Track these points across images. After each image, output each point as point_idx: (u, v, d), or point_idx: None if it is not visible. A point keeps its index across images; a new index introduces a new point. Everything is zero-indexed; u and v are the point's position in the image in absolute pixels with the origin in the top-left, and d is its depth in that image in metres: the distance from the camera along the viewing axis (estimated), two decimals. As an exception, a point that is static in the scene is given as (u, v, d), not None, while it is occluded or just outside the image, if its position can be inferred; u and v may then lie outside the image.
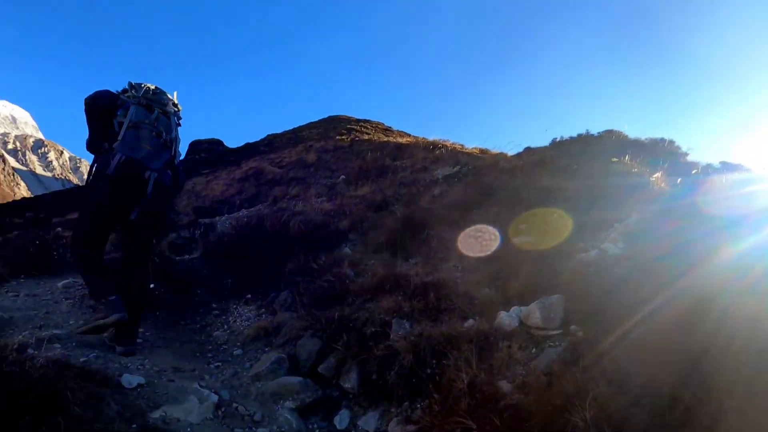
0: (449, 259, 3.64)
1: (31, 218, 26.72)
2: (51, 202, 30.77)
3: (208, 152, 38.27)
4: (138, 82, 2.80)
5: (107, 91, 2.73)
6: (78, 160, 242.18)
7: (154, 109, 2.72)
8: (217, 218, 8.18)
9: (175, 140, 2.82)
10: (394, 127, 41.41)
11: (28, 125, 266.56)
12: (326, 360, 2.72)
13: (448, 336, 2.38)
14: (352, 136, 28.43)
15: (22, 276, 4.04)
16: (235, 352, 3.03)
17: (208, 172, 30.75)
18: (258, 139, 38.48)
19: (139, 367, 2.47)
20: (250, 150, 34.46)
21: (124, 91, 2.77)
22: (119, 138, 2.58)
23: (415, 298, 2.87)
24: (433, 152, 9.79)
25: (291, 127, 39.92)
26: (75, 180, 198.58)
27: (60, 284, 3.82)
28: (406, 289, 3.00)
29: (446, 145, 11.74)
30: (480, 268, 3.18)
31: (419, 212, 4.19)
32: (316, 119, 41.72)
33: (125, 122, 2.60)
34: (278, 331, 3.20)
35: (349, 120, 39.74)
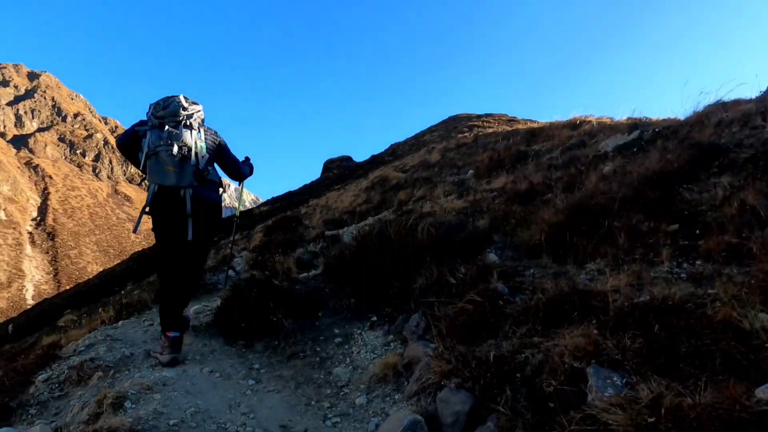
0: (657, 261, 2.37)
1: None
2: (227, 222, 36.26)
3: (340, 168, 40.89)
4: (163, 97, 2.78)
5: (129, 130, 2.82)
6: (240, 191, 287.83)
7: (165, 126, 2.66)
8: (344, 229, 7.96)
9: (195, 146, 2.71)
10: (519, 117, 38.42)
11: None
12: (482, 427, 1.80)
13: (718, 416, 1.24)
14: (475, 132, 26.96)
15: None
16: (357, 400, 2.31)
17: (339, 186, 32.58)
18: (383, 150, 39.76)
19: (242, 426, 1.91)
20: (376, 161, 35.68)
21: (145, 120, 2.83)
22: (146, 171, 2.68)
23: (623, 331, 1.75)
24: (581, 128, 8.07)
25: (413, 134, 40.19)
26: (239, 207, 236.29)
27: (192, 310, 3.68)
28: (602, 315, 1.89)
29: (591, 121, 9.77)
30: (733, 275, 1.88)
31: (591, 197, 2.96)
32: (436, 122, 41.24)
33: (143, 153, 2.66)
34: (410, 369, 2.40)
35: (469, 117, 38.23)
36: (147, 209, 2.70)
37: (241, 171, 3.29)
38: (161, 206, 2.70)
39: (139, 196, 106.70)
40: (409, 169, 13.03)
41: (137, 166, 2.78)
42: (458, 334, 2.33)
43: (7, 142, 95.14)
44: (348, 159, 46.76)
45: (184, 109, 2.73)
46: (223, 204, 3.11)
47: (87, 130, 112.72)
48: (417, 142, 37.36)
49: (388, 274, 3.28)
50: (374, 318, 3.32)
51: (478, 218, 4.25)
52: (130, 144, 2.80)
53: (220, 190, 3.08)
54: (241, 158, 3.43)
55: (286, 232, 6.62)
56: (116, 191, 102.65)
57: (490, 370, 1.88)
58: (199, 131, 2.78)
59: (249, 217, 34.02)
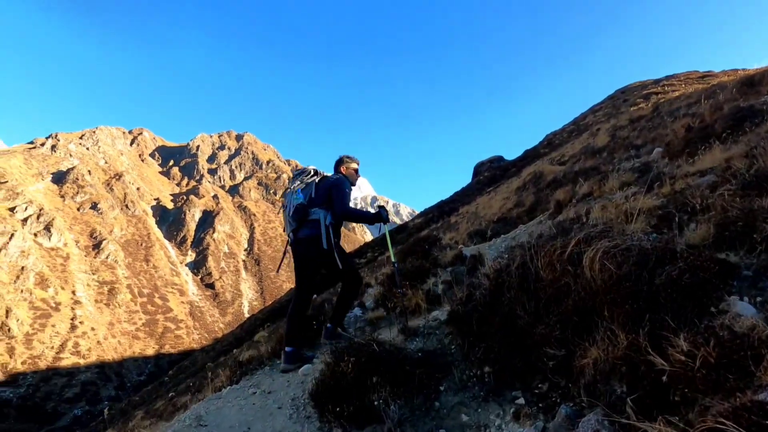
0: None
1: (370, 257, 33.47)
2: (381, 241, 38.20)
3: (490, 170, 38.74)
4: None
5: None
6: (398, 205, 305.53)
7: (289, 191, 3.69)
8: (488, 244, 6.69)
9: (290, 203, 3.54)
10: (716, 70, 29.94)
11: (366, 187, 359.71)
12: None
13: None
14: (654, 101, 21.84)
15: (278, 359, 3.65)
16: None
17: (490, 189, 30.65)
18: (537, 143, 36.01)
19: None
20: (530, 156, 32.49)
21: None
22: None
23: None
24: None
25: (570, 120, 35.31)
26: (397, 221, 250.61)
27: (300, 371, 3.13)
28: None
29: None
30: None
31: None
32: (600, 100, 35.33)
33: None
34: None
35: (643, 85, 31.55)
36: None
37: (337, 208, 3.51)
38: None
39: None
40: (568, 160, 10.81)
41: None
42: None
43: (226, 192, 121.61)
44: (499, 159, 44.08)
45: (290, 179, 3.72)
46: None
47: (276, 173, 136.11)
48: (577, 127, 32.57)
49: (541, 335, 2.08)
50: (520, 399, 2.15)
51: (687, 224, 2.63)
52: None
53: (323, 227, 3.41)
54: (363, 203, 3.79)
55: (419, 256, 5.81)
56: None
57: None
58: (299, 189, 3.54)
59: (404, 231, 34.93)
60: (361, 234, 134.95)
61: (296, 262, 3.49)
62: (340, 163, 3.80)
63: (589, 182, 5.93)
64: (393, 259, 4.00)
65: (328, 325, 3.72)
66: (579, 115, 34.84)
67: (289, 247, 3.67)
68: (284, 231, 3.60)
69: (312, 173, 3.65)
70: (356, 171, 3.87)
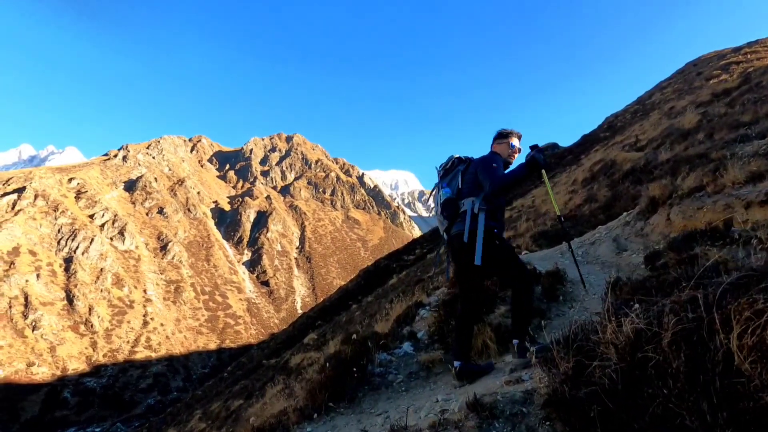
0: None
1: (419, 254, 32.45)
2: (430, 237, 37.00)
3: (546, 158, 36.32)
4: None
5: None
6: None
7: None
8: (560, 249, 5.46)
9: (437, 201, 3.08)
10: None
11: (413, 182, 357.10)
12: None
13: None
14: (739, 70, 18.90)
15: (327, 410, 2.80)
16: None
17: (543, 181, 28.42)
18: (595, 127, 33.05)
19: None
20: (588, 141, 29.81)
21: None
22: None
23: None
24: None
25: (630, 101, 32.04)
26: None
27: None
28: None
29: None
30: None
31: None
32: (667, 76, 31.74)
33: None
34: None
35: (720, 55, 27.81)
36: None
37: (488, 186, 2.76)
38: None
39: (364, 218, 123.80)
40: (647, 144, 9.14)
41: None
42: None
43: (278, 192, 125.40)
44: (554, 146, 41.20)
45: (438, 173, 3.18)
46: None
47: (324, 172, 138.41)
48: (642, 106, 29.40)
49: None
50: None
51: None
52: None
53: (480, 215, 2.75)
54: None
55: None
56: (348, 217, 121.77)
57: None
58: (445, 182, 3.07)
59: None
60: (408, 229, 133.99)
61: (455, 264, 2.91)
62: (493, 141, 3.14)
63: (696, 173, 4.55)
64: (557, 212, 3.32)
65: (514, 340, 2.85)
66: (644, 94, 31.54)
67: (446, 249, 3.11)
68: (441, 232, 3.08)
69: (456, 162, 3.13)
70: (511, 145, 3.04)
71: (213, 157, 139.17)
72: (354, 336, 4.25)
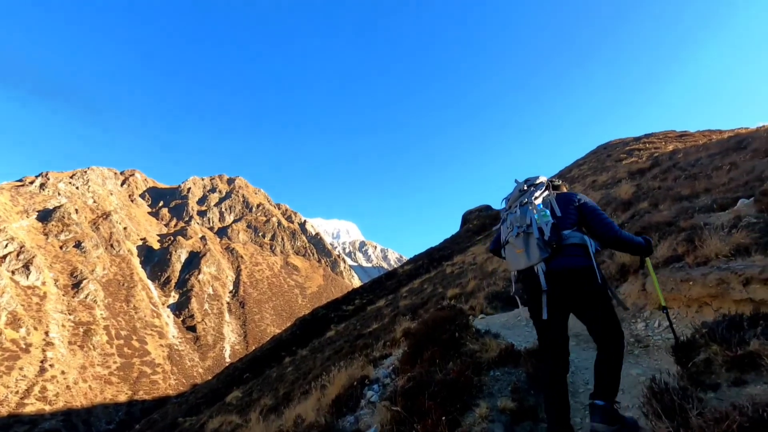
0: None
1: (359, 304, 31.74)
2: (370, 288, 36.57)
3: (479, 218, 38.26)
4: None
5: (495, 235, 2.85)
6: (386, 250, 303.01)
7: (514, 210, 2.62)
8: (516, 315, 5.53)
9: (534, 220, 2.47)
10: (692, 130, 30.87)
11: (354, 232, 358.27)
12: None
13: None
14: (647, 154, 21.80)
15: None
16: None
17: (481, 238, 29.81)
18: (522, 193, 35.96)
19: None
20: (517, 207, 32.14)
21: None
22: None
23: None
24: None
25: (555, 172, 35.56)
26: (385, 266, 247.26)
27: None
28: None
29: None
30: None
31: None
32: (582, 155, 35.88)
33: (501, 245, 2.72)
34: None
35: (624, 142, 32.23)
36: (512, 294, 2.68)
37: (608, 233, 2.51)
38: (525, 289, 2.55)
39: (304, 265, 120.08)
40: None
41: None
42: None
43: (214, 233, 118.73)
44: (487, 208, 43.83)
45: (521, 191, 2.69)
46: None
47: (266, 216, 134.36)
48: (562, 179, 32.72)
49: None
50: None
51: None
52: (497, 247, 2.82)
53: (593, 254, 2.45)
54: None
55: (442, 348, 3.74)
56: (287, 263, 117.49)
57: None
58: (540, 204, 2.58)
59: (394, 277, 33.50)
60: (348, 278, 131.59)
61: (551, 304, 2.38)
62: (553, 185, 2.74)
63: (668, 241, 4.28)
64: (662, 303, 2.86)
65: (597, 401, 2.28)
66: (564, 168, 35.21)
67: (517, 284, 2.66)
68: (510, 266, 2.61)
69: (546, 185, 2.70)
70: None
71: (146, 193, 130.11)
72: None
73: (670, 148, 20.03)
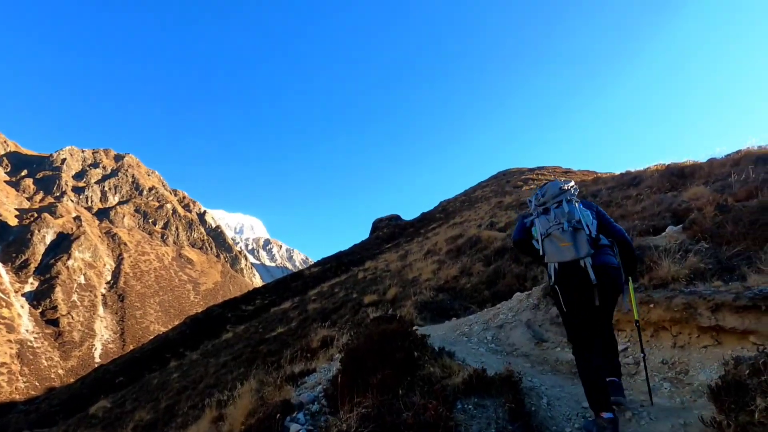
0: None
1: (260, 304, 29.57)
2: (273, 288, 34.43)
3: (389, 227, 38.83)
4: (540, 187, 2.88)
5: (519, 225, 2.89)
6: (291, 251, 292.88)
7: (550, 209, 2.67)
8: (460, 327, 5.20)
9: (582, 218, 2.59)
10: (575, 168, 35.37)
11: (259, 228, 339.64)
12: None
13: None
14: (540, 183, 24.11)
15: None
16: None
17: (390, 246, 30.05)
18: (431, 208, 37.37)
19: None
20: (426, 219, 33.31)
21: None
22: (544, 253, 2.65)
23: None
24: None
25: (461, 191, 37.82)
26: (290, 267, 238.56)
27: None
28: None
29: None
30: None
31: None
32: (485, 178, 38.81)
33: (538, 239, 2.68)
34: None
35: (521, 171, 35.65)
36: (552, 285, 2.65)
37: (624, 237, 2.76)
38: (566, 281, 2.59)
39: (200, 259, 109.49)
40: (506, 227, 10.36)
41: (533, 255, 2.83)
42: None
43: (93, 215, 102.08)
44: (397, 218, 44.83)
45: (562, 190, 2.71)
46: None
47: (159, 202, 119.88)
48: (468, 198, 34.87)
49: None
50: None
51: None
52: (525, 237, 2.84)
53: (615, 251, 2.75)
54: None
55: (395, 371, 2.94)
56: (180, 255, 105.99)
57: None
58: (580, 203, 2.70)
59: (300, 278, 31.99)
60: (249, 277, 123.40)
61: (602, 295, 2.56)
62: (570, 190, 2.76)
63: None
64: (636, 317, 2.98)
65: (614, 378, 2.82)
66: (469, 188, 37.57)
67: (556, 278, 2.65)
68: (551, 258, 2.62)
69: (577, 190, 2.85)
70: None
71: (4, 157, 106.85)
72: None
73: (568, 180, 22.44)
